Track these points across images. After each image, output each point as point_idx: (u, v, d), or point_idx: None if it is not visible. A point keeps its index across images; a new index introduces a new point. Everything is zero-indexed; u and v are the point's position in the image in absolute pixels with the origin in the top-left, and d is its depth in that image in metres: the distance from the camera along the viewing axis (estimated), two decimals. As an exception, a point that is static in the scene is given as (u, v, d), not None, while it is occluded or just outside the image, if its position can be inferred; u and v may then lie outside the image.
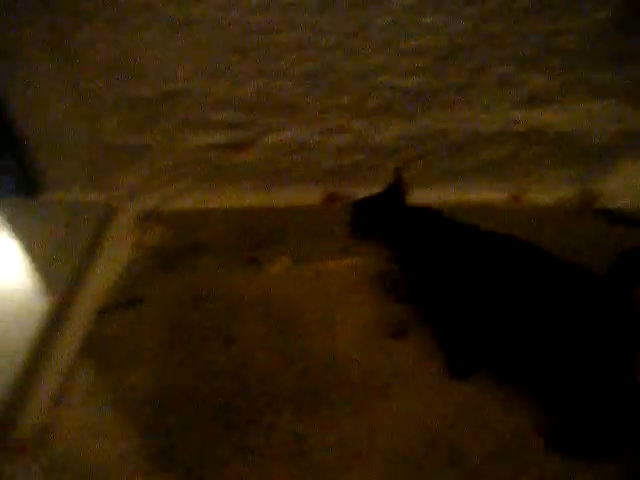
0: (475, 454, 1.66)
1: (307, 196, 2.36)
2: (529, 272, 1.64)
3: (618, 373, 1.54)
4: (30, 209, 2.46)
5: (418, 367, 1.89)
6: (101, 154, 2.40)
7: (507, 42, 2.03)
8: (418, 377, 1.86)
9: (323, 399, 1.83)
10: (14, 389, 1.88)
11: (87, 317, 2.12)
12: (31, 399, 1.91)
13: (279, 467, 1.68)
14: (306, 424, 1.77)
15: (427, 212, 1.84)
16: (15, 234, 2.34)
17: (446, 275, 1.76)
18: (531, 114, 2.16)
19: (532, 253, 1.68)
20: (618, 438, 1.61)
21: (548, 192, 2.29)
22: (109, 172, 2.44)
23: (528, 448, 1.66)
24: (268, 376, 1.91)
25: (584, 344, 1.53)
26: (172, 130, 2.33)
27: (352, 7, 2.00)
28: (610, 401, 1.55)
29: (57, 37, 2.14)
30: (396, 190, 1.85)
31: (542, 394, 1.75)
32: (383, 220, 1.85)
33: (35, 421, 1.85)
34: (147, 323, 2.10)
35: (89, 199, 2.49)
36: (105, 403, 1.89)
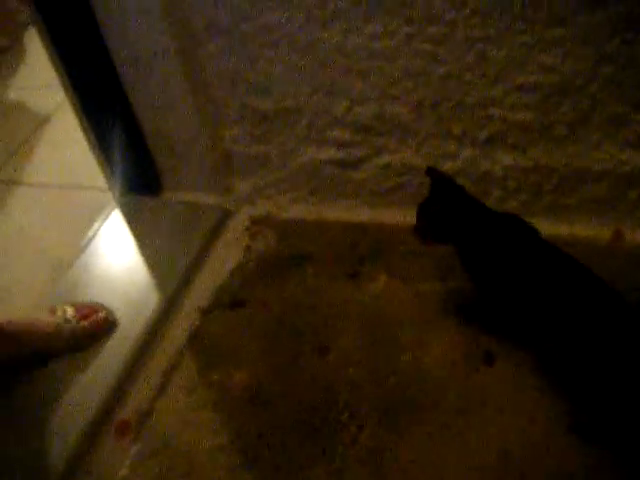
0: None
1: (411, 217, 2.41)
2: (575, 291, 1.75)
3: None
4: (150, 207, 2.63)
5: (503, 394, 1.90)
6: (221, 160, 2.53)
7: (620, 83, 2.03)
8: (501, 403, 1.88)
9: (407, 416, 1.88)
10: (122, 374, 2.05)
11: (193, 315, 2.25)
12: (136, 386, 2.05)
13: (357, 477, 1.76)
14: (388, 440, 1.83)
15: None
16: (135, 230, 2.50)
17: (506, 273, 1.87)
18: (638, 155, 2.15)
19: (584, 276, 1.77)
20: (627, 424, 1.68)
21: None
22: (227, 177, 2.57)
23: None
24: (357, 388, 1.97)
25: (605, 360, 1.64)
26: (290, 143, 2.43)
27: (469, 40, 2.05)
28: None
29: (190, 47, 2.28)
30: (447, 183, 1.95)
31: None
32: (450, 218, 1.93)
33: (138, 407, 1.99)
34: (249, 326, 2.20)
35: (207, 201, 2.62)
36: (203, 399, 2.01)
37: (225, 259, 2.43)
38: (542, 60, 2.03)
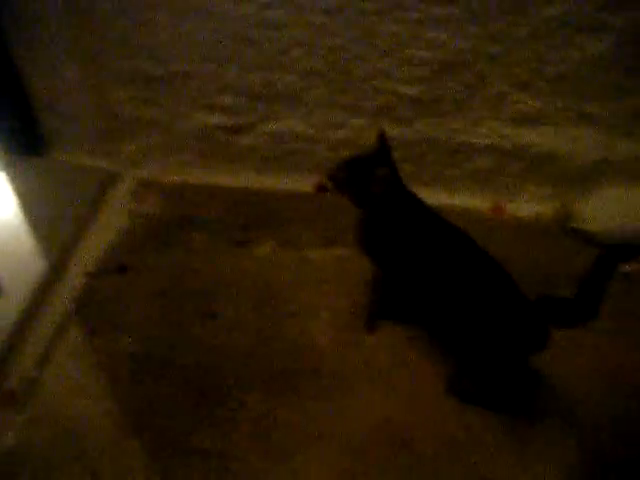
0: (423, 444, 1.79)
1: (300, 184, 2.46)
2: (469, 263, 1.81)
3: (509, 349, 1.76)
4: (36, 168, 2.55)
5: (386, 361, 1.99)
6: (108, 123, 2.49)
7: (504, 64, 2.13)
8: (383, 371, 1.96)
9: (292, 382, 1.94)
10: (5, 343, 1.99)
11: (78, 280, 2.21)
12: (21, 354, 2.01)
13: (242, 440, 1.80)
14: (273, 404, 1.88)
15: (403, 188, 1.91)
16: (20, 192, 2.43)
17: (399, 241, 1.88)
18: (519, 132, 2.27)
19: (470, 247, 1.84)
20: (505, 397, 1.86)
21: (527, 206, 2.41)
22: (114, 140, 2.54)
23: (476, 445, 1.80)
24: (244, 354, 2.01)
25: (484, 322, 1.75)
26: (179, 107, 2.42)
27: (361, 14, 2.09)
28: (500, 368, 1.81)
29: (77, 9, 2.22)
30: (383, 152, 1.89)
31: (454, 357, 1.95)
32: (360, 179, 1.88)
33: (23, 375, 1.96)
34: (135, 291, 2.20)
35: (93, 164, 2.57)
36: (90, 364, 2.00)
37: (112, 223, 2.41)
38: (431, 36, 2.10)
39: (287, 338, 2.06)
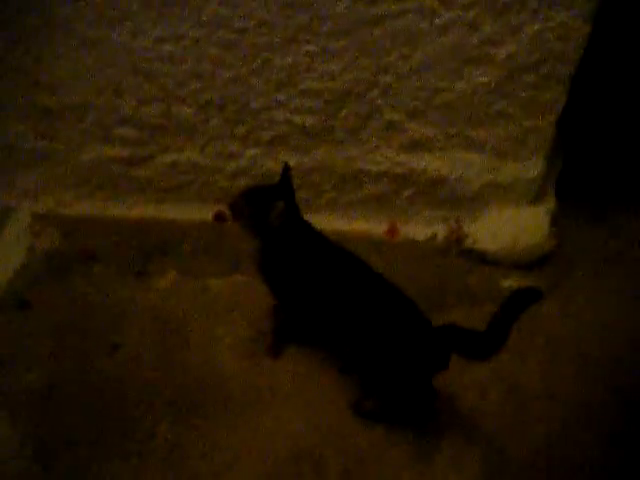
0: (334, 461, 1.86)
1: (199, 214, 2.49)
2: (361, 287, 1.90)
3: (411, 371, 1.86)
4: None
5: (291, 384, 2.05)
6: (3, 155, 2.46)
7: (396, 93, 2.23)
8: (289, 393, 2.02)
9: (201, 410, 1.98)
10: None
11: None
12: None
13: (155, 471, 1.82)
14: (182, 433, 1.91)
15: (298, 219, 2.00)
16: None
17: (295, 270, 1.97)
18: (411, 158, 2.37)
19: (368, 274, 1.93)
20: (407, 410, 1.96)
21: (421, 228, 2.51)
22: (8, 173, 2.50)
23: (382, 462, 1.88)
24: (149, 385, 2.04)
25: (385, 345, 1.84)
26: (75, 140, 2.42)
27: (255, 47, 2.16)
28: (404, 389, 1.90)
29: None
30: (285, 185, 1.98)
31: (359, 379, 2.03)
32: (259, 209, 1.95)
33: None
34: (37, 327, 2.19)
35: None
36: None
37: (8, 259, 2.37)
38: (325, 68, 2.19)
39: (192, 367, 2.09)
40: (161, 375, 2.06)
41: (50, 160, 2.47)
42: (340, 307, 1.90)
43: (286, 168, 1.96)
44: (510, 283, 2.38)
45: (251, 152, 2.40)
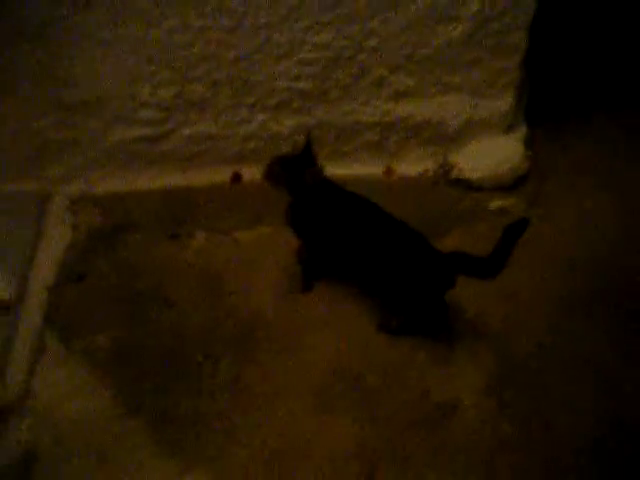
0: (372, 375, 2.19)
1: (217, 177, 2.77)
2: (380, 227, 2.23)
3: (425, 291, 2.21)
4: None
5: (324, 314, 2.36)
6: (32, 149, 2.68)
7: (381, 53, 2.51)
8: (323, 322, 2.34)
9: (251, 345, 2.28)
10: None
11: (43, 294, 2.42)
12: (10, 370, 2.21)
13: (224, 398, 2.14)
14: (240, 367, 2.21)
15: (324, 178, 2.30)
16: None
17: (322, 219, 2.29)
18: (399, 107, 2.66)
19: (384, 216, 2.25)
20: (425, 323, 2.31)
21: (413, 166, 2.82)
22: (40, 164, 2.72)
23: (411, 367, 2.22)
24: (204, 330, 2.33)
25: (403, 273, 2.19)
26: (99, 127, 2.65)
27: (255, 28, 2.42)
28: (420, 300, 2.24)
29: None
30: (308, 152, 2.27)
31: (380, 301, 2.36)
32: (293, 173, 2.24)
33: (15, 389, 2.16)
34: (95, 295, 2.44)
35: (25, 188, 2.73)
36: (73, 366, 2.23)
37: (58, 238, 2.61)
38: (317, 39, 2.47)
39: (237, 311, 2.38)
40: (212, 321, 2.35)
41: (77, 147, 2.69)
42: (363, 243, 2.22)
43: (309, 137, 2.25)
44: (496, 203, 2.70)
45: (258, 117, 2.66)
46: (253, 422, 2.09)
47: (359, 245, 2.24)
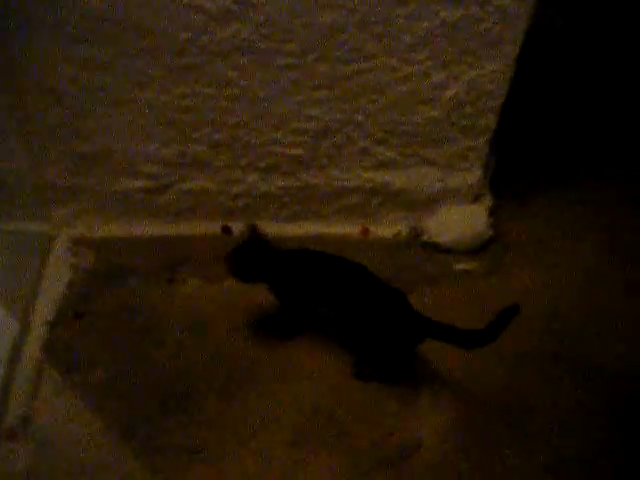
0: (343, 414, 2.37)
1: (209, 228, 2.97)
2: (352, 282, 2.41)
3: (397, 342, 2.38)
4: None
5: (304, 360, 2.53)
6: (40, 193, 2.84)
7: (366, 127, 2.75)
8: (306, 366, 2.51)
9: (235, 386, 2.42)
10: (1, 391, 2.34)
11: (43, 329, 2.56)
12: (12, 397, 2.34)
13: (206, 431, 2.29)
14: (226, 404, 2.36)
15: (281, 251, 2.49)
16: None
17: (300, 283, 2.48)
18: (379, 175, 2.89)
19: (357, 270, 2.45)
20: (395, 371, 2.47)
21: (388, 228, 3.03)
22: (46, 207, 2.88)
23: (379, 409, 2.39)
24: (193, 369, 2.47)
25: (377, 325, 2.36)
26: (104, 177, 2.82)
27: (256, 99, 2.65)
28: (391, 353, 2.43)
29: (19, 103, 2.62)
30: (258, 239, 2.47)
31: (354, 351, 2.50)
32: (256, 262, 2.43)
33: (18, 413, 2.30)
34: (93, 332, 2.58)
35: (30, 228, 2.88)
36: (72, 396, 2.37)
37: (58, 278, 2.76)
38: (311, 113, 2.71)
39: (224, 354, 2.52)
40: (199, 362, 2.49)
41: (83, 193, 2.86)
42: (338, 301, 2.43)
43: (253, 228, 2.49)
44: (460, 265, 2.93)
45: (250, 178, 2.86)
46: (236, 454, 2.23)
47: (332, 301, 2.45)
